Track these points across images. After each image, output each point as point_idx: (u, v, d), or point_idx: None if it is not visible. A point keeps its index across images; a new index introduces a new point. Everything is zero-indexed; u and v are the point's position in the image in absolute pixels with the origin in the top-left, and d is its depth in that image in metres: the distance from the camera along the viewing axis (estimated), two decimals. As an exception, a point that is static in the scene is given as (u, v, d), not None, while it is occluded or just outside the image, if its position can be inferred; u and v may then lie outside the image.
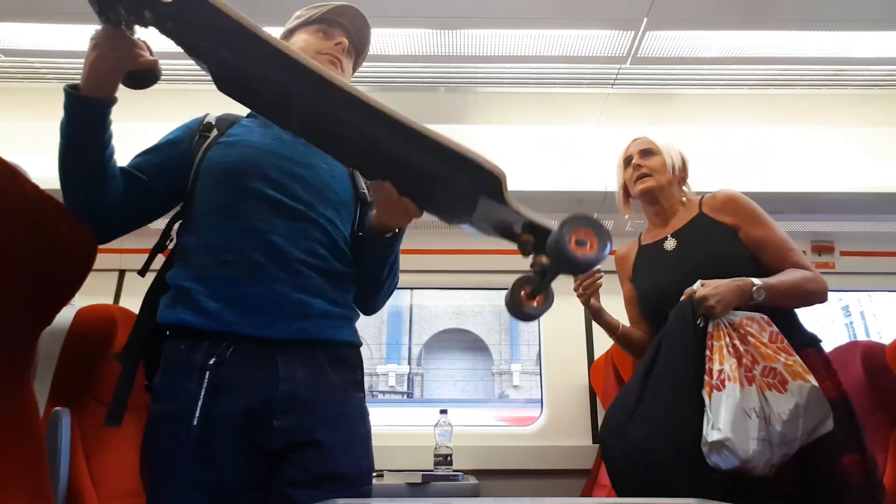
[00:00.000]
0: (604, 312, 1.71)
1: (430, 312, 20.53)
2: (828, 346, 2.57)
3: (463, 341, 20.17)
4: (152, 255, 1.21)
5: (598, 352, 2.90)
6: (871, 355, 2.18)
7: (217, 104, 2.97)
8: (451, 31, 2.20)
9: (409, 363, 19.73)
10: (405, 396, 18.54)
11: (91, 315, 1.63)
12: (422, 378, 19.84)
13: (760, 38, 2.26)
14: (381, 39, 2.25)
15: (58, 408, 1.50)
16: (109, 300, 2.96)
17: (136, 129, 2.86)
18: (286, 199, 1.14)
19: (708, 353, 1.35)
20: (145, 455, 1.03)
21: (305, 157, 1.21)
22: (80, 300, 1.47)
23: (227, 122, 1.28)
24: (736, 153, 2.85)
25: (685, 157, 1.83)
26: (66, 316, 1.60)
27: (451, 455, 2.51)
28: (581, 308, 3.02)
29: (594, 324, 3.04)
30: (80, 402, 1.59)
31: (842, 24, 2.16)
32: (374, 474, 2.29)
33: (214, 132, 1.25)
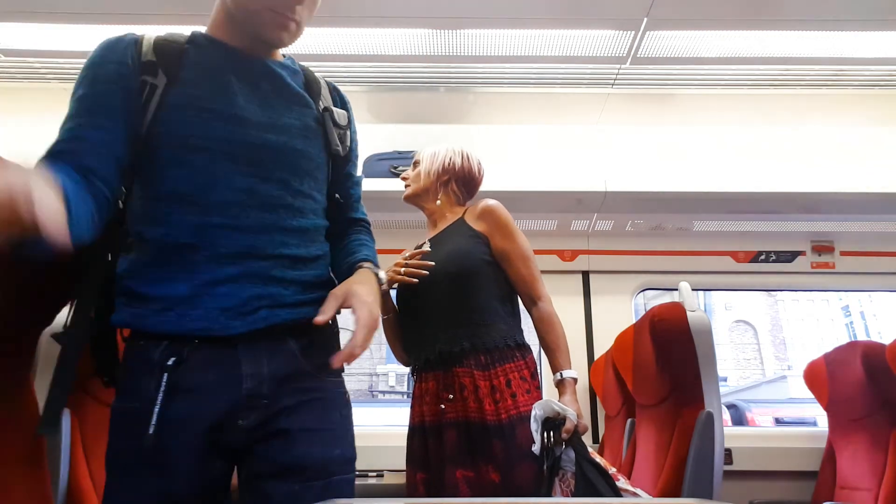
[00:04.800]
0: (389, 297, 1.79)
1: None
2: (828, 346, 2.58)
3: (463, 341, 20.12)
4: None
5: (598, 352, 2.90)
6: (871, 355, 2.18)
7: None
8: (451, 31, 2.19)
9: (410, 363, 19.71)
10: (405, 396, 18.53)
11: (91, 315, 1.62)
12: (422, 378, 19.81)
13: (760, 38, 2.26)
14: (382, 39, 2.25)
15: (58, 408, 1.49)
16: (109, 300, 2.96)
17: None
18: (258, 185, 1.01)
19: None
20: (107, 452, 0.98)
21: (275, 116, 1.05)
22: (80, 300, 1.47)
23: (172, 56, 1.02)
24: (735, 153, 2.85)
25: (458, 162, 1.84)
26: (66, 316, 1.60)
27: (451, 455, 2.51)
28: (581, 308, 3.02)
29: (594, 324, 3.05)
30: (80, 402, 1.59)
31: (842, 24, 2.16)
32: (374, 474, 2.30)
33: (161, 77, 1.00)
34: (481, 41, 2.26)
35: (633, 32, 2.20)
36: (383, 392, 18.28)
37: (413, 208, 1.90)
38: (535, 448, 1.45)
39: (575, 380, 1.63)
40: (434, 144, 1.88)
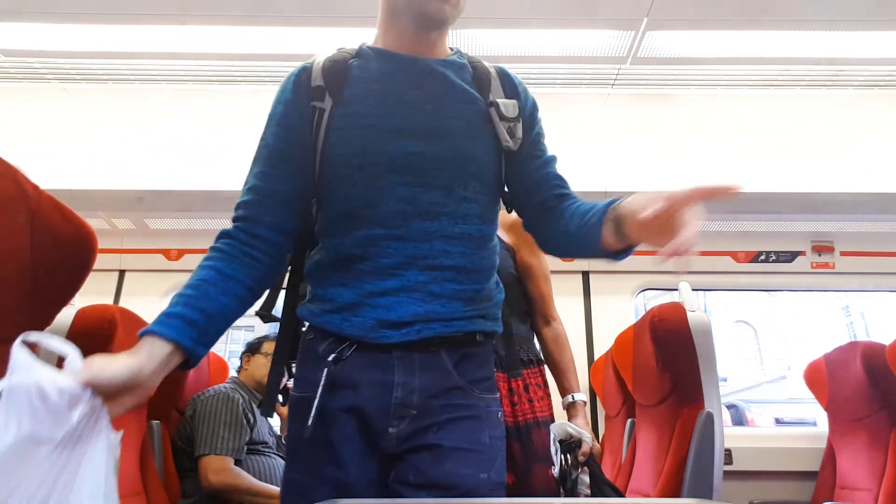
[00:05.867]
0: None
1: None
2: (828, 346, 2.58)
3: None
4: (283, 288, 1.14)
5: (598, 352, 2.90)
6: (871, 355, 2.18)
7: (216, 104, 2.96)
8: (452, 31, 2.19)
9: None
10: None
11: (91, 315, 1.63)
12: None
13: (760, 38, 2.26)
14: (381, 39, 2.25)
15: (58, 408, 1.49)
16: (109, 300, 2.96)
17: (136, 128, 2.87)
18: (421, 194, 1.00)
19: None
20: (286, 437, 1.06)
21: (439, 119, 1.04)
22: (80, 300, 1.47)
23: (337, 77, 1.06)
24: (736, 153, 2.85)
25: None
26: (66, 316, 1.60)
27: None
28: (581, 308, 3.02)
29: (594, 324, 3.05)
30: (80, 402, 1.59)
31: (842, 24, 2.16)
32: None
33: (328, 100, 1.04)
34: (481, 41, 2.26)
35: (633, 32, 2.20)
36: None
37: None
38: (555, 471, 1.45)
39: (585, 402, 1.64)
40: None
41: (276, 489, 2.25)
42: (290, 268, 1.13)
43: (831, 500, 2.34)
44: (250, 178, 1.06)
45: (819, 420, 2.92)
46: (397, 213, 1.00)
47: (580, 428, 1.53)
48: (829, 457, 2.45)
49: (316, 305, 1.03)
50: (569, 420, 1.61)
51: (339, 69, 1.06)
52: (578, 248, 1.07)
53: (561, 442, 1.48)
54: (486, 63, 1.17)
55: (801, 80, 2.57)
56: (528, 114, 1.16)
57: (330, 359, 0.98)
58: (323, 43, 2.24)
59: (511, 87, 1.16)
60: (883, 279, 3.13)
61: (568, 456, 1.49)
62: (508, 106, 1.11)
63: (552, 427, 1.49)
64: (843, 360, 2.35)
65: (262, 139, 1.07)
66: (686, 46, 2.30)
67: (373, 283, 1.00)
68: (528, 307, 1.70)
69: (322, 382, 0.96)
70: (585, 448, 1.49)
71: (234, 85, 2.57)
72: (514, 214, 1.62)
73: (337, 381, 0.98)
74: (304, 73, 1.07)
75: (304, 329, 1.08)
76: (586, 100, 2.72)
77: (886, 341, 2.04)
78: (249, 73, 2.49)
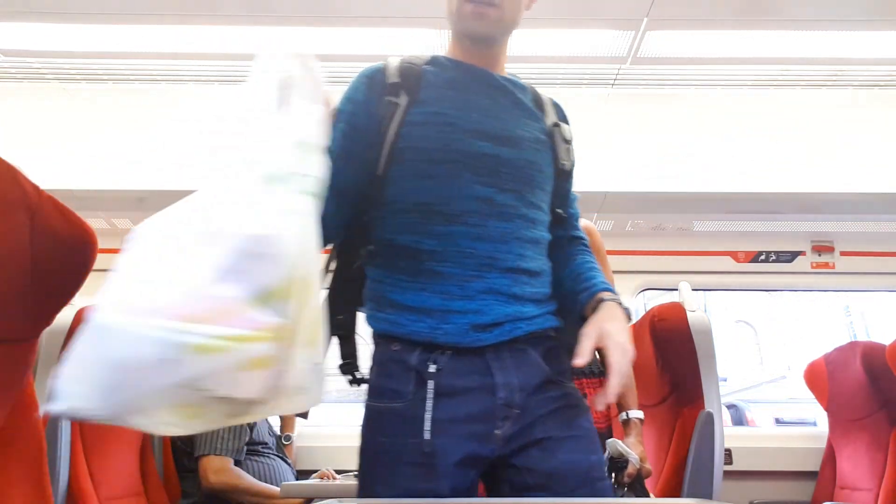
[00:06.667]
0: None
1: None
2: (828, 346, 2.58)
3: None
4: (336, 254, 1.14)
5: (598, 352, 2.90)
6: (871, 355, 2.18)
7: (219, 105, 2.95)
8: (448, 30, 2.19)
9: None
10: (405, 396, 18.53)
11: (91, 315, 1.63)
12: (422, 378, 19.80)
13: (760, 38, 2.26)
14: (382, 39, 2.25)
15: (58, 408, 1.49)
16: (109, 300, 2.96)
17: (137, 128, 2.87)
18: (496, 195, 1.04)
19: None
20: (364, 448, 1.02)
21: (510, 128, 1.09)
22: (80, 300, 1.47)
23: (413, 77, 1.10)
24: (735, 153, 2.85)
25: None
26: (66, 316, 1.60)
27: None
28: (581, 308, 3.02)
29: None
30: (80, 402, 1.59)
31: (842, 24, 2.16)
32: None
33: (403, 97, 1.07)
34: (481, 41, 2.26)
35: (633, 32, 2.20)
36: (383, 392, 18.27)
37: None
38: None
39: (641, 420, 1.62)
40: None
41: (275, 489, 2.25)
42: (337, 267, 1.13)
43: (831, 500, 2.34)
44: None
45: (819, 420, 2.92)
46: (476, 212, 1.03)
47: (629, 447, 1.51)
48: (829, 457, 2.45)
49: (395, 314, 1.03)
50: (623, 437, 1.60)
51: (415, 71, 1.11)
52: (562, 301, 1.13)
53: (611, 459, 1.46)
54: (537, 90, 1.23)
55: (801, 80, 2.57)
56: (573, 145, 1.22)
57: (431, 369, 0.98)
58: (323, 43, 2.25)
59: (563, 117, 1.23)
60: (883, 279, 3.13)
61: (614, 475, 1.48)
62: (566, 130, 1.18)
63: (608, 442, 1.48)
64: (843, 360, 2.35)
65: (333, 133, 1.09)
66: (686, 46, 2.30)
67: (458, 286, 1.01)
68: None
69: (430, 396, 0.96)
70: (631, 469, 1.48)
71: (234, 85, 2.57)
72: (583, 222, 1.65)
73: (439, 391, 0.97)
74: (378, 72, 1.12)
75: (377, 337, 1.07)
76: (586, 100, 2.72)
77: (886, 341, 2.04)
78: (249, 73, 2.49)
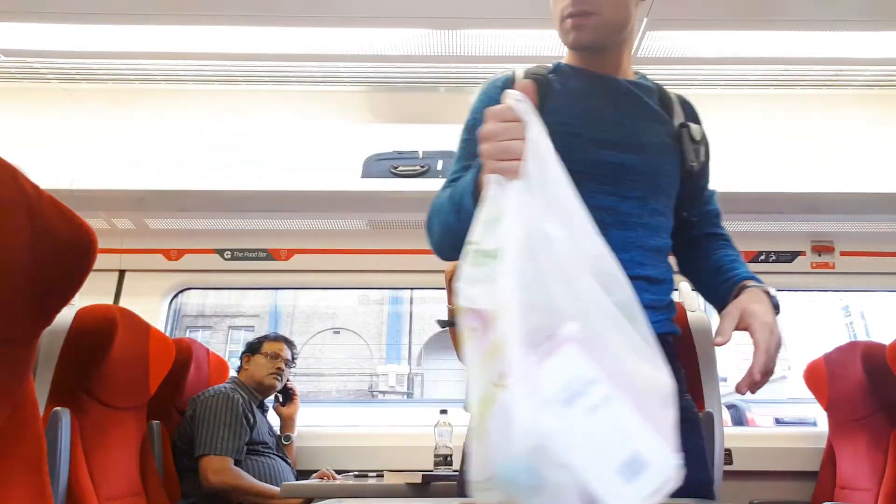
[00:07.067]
0: None
1: (431, 312, 20.51)
2: (828, 346, 2.58)
3: (463, 341, 20.09)
4: None
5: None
6: (871, 355, 2.18)
7: (218, 105, 2.95)
8: (451, 31, 2.19)
9: (410, 363, 19.72)
10: (405, 396, 18.52)
11: (91, 315, 1.63)
12: (422, 378, 19.82)
13: (760, 38, 2.26)
14: (382, 39, 2.25)
15: (58, 408, 1.50)
16: (109, 300, 2.96)
17: (136, 128, 2.86)
18: (619, 203, 1.03)
19: None
20: None
21: (634, 134, 1.08)
22: (80, 300, 1.47)
23: (539, 86, 1.09)
24: (735, 153, 2.85)
25: None
26: (66, 316, 1.60)
27: (451, 455, 2.51)
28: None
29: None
30: (80, 402, 1.59)
31: (842, 24, 2.15)
32: (374, 474, 2.30)
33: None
34: (481, 41, 2.26)
35: (633, 32, 2.20)
36: (383, 392, 18.29)
37: (413, 207, 1.87)
38: None
39: None
40: None
41: (275, 489, 2.25)
42: None
43: (831, 500, 2.34)
44: (453, 174, 1.13)
45: (819, 420, 2.92)
46: (597, 221, 1.02)
47: None
48: (829, 457, 2.45)
49: None
50: None
51: (541, 81, 1.13)
52: (706, 297, 1.13)
53: None
54: (666, 90, 1.22)
55: (801, 80, 2.57)
56: (706, 144, 1.20)
57: None
58: (322, 43, 2.25)
59: (693, 115, 1.22)
60: (883, 279, 3.13)
61: None
62: (696, 130, 1.17)
63: None
64: (843, 360, 2.35)
65: (462, 140, 1.15)
66: (686, 46, 2.30)
67: None
68: None
69: None
70: None
71: (234, 85, 2.57)
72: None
73: None
74: (507, 83, 1.15)
75: None
76: (586, 100, 2.71)
77: (886, 341, 2.04)
78: (249, 73, 2.49)
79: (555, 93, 1.11)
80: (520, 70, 1.17)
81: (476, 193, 0.91)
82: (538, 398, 0.54)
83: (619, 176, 1.05)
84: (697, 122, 1.19)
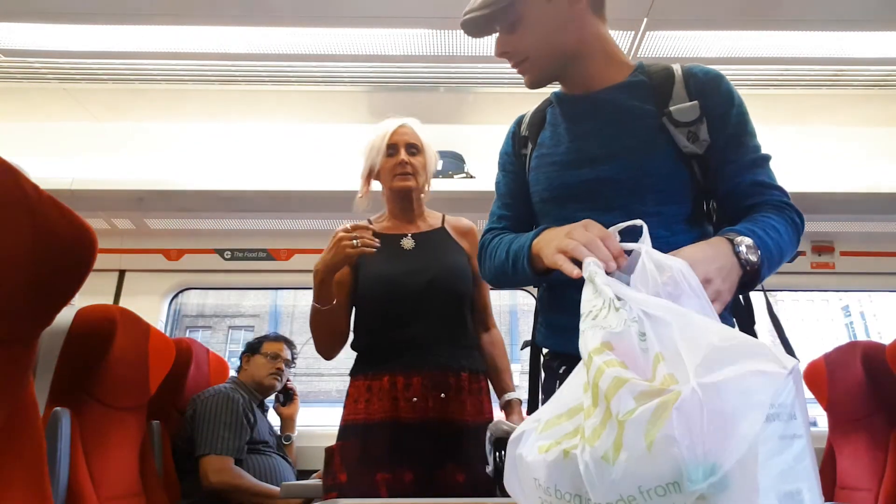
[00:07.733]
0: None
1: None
2: (828, 346, 2.58)
3: (463, 341, 20.14)
4: None
5: (598, 352, 2.90)
6: (871, 355, 2.18)
7: (218, 105, 2.94)
8: (451, 31, 2.19)
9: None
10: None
11: (91, 315, 1.63)
12: (422, 378, 19.80)
13: (760, 38, 2.26)
14: (382, 39, 2.25)
15: (58, 408, 1.49)
16: (109, 300, 2.96)
17: (136, 128, 2.86)
18: (601, 216, 0.99)
19: None
20: None
21: (610, 143, 1.10)
22: (80, 300, 1.46)
23: (536, 125, 1.25)
24: (736, 153, 2.85)
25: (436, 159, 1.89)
26: (66, 316, 1.60)
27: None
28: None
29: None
30: (80, 402, 1.59)
31: (842, 24, 2.16)
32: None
33: (529, 146, 1.23)
34: (481, 41, 2.25)
35: (633, 32, 2.20)
36: (383, 392, 18.24)
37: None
38: (489, 469, 1.45)
39: (520, 400, 1.69)
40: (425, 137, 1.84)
41: (275, 489, 2.25)
42: None
43: (831, 501, 2.34)
44: (496, 210, 1.29)
45: (819, 420, 2.92)
46: None
47: (515, 425, 1.53)
48: (829, 457, 2.45)
49: (547, 332, 1.21)
50: (506, 418, 1.66)
51: (539, 118, 1.24)
52: None
53: (497, 440, 1.48)
54: (673, 66, 1.18)
55: (801, 80, 2.57)
56: (719, 113, 1.14)
57: (561, 371, 1.14)
58: (323, 43, 2.25)
59: (697, 87, 1.16)
60: (883, 279, 3.13)
61: (503, 453, 1.49)
62: (685, 110, 1.11)
63: (490, 426, 1.49)
64: (843, 360, 2.35)
65: (497, 178, 1.31)
66: (686, 46, 2.30)
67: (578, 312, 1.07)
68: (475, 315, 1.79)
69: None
70: None
71: (234, 85, 2.57)
72: (465, 221, 1.86)
73: None
74: (517, 126, 1.30)
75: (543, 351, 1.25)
76: (586, 100, 2.71)
77: (886, 341, 2.04)
78: (249, 73, 2.49)
79: (547, 125, 1.21)
80: (531, 110, 1.28)
81: (531, 258, 1.04)
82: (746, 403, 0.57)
83: (595, 191, 1.10)
84: (703, 95, 1.13)
